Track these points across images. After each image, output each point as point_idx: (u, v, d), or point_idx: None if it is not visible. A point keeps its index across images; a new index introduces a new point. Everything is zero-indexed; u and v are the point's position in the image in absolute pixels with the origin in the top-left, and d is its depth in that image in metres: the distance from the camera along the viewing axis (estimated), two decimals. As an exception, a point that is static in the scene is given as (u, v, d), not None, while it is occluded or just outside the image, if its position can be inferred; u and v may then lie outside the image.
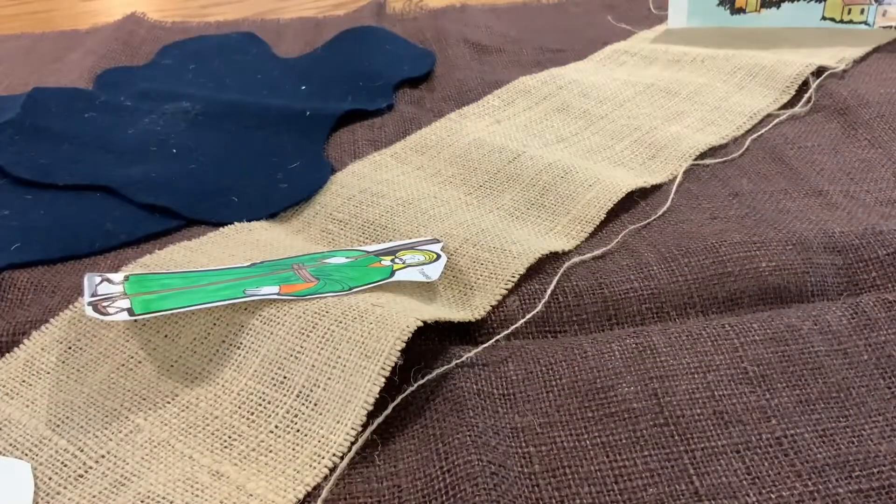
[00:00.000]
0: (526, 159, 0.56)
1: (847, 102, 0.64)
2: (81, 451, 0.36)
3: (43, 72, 0.80)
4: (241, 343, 0.39)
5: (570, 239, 0.49)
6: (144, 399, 0.38)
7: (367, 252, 0.46)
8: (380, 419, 0.36)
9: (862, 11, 0.76)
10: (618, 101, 0.66)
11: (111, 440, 0.36)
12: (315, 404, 0.36)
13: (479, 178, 0.55)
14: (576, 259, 0.46)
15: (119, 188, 0.55)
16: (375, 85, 0.72)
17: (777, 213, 0.51)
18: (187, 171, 0.58)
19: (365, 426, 0.35)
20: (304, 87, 0.73)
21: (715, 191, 0.54)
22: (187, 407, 0.38)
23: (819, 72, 0.69)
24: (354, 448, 0.35)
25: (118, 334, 0.41)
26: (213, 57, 0.79)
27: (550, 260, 0.46)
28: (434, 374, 0.38)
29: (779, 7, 0.78)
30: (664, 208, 0.52)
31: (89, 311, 0.38)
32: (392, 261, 0.45)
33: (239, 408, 0.37)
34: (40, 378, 0.40)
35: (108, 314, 0.38)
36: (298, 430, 0.36)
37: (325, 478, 0.34)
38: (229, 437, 0.36)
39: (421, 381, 0.37)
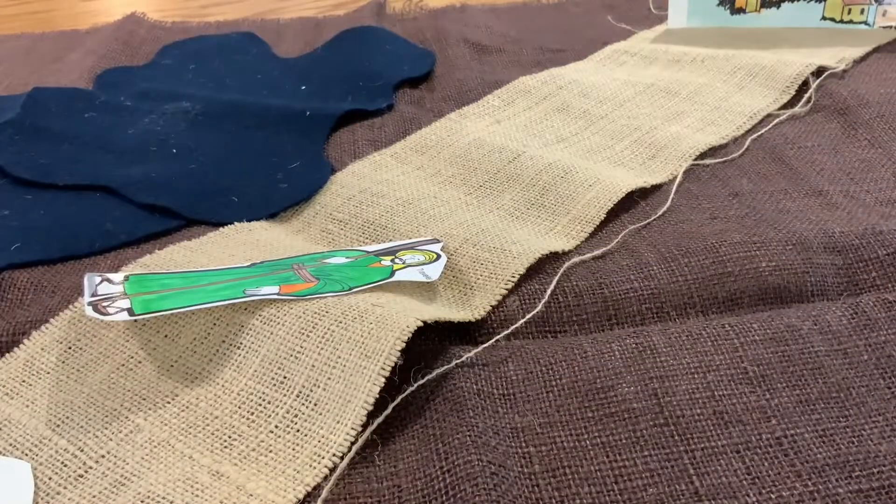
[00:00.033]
0: (526, 159, 0.56)
1: (847, 102, 0.64)
2: (81, 451, 0.36)
3: (43, 72, 0.80)
4: (241, 343, 0.39)
5: (570, 239, 0.49)
6: (144, 399, 0.38)
7: (367, 252, 0.46)
8: (380, 419, 0.36)
9: (862, 11, 0.76)
10: (618, 101, 0.66)
11: (111, 440, 0.36)
12: (315, 404, 0.36)
13: (479, 178, 0.55)
14: (576, 259, 0.46)
15: (119, 188, 0.55)
16: (375, 85, 0.72)
17: (777, 213, 0.51)
18: (187, 171, 0.58)
19: (365, 426, 0.35)
20: (304, 87, 0.73)
21: (715, 191, 0.54)
22: (187, 407, 0.38)
23: (819, 72, 0.69)
24: (354, 448, 0.35)
25: (118, 334, 0.41)
26: (213, 57, 0.79)
27: (550, 260, 0.46)
28: (434, 374, 0.38)
29: (779, 7, 0.78)
30: (664, 208, 0.52)
31: (89, 311, 0.38)
32: (392, 261, 0.45)
33: (239, 408, 0.37)
34: (40, 378, 0.40)
35: (108, 314, 0.38)
36: (298, 430, 0.36)
37: (325, 478, 0.34)
38: (229, 437, 0.36)
39: (421, 381, 0.37)
